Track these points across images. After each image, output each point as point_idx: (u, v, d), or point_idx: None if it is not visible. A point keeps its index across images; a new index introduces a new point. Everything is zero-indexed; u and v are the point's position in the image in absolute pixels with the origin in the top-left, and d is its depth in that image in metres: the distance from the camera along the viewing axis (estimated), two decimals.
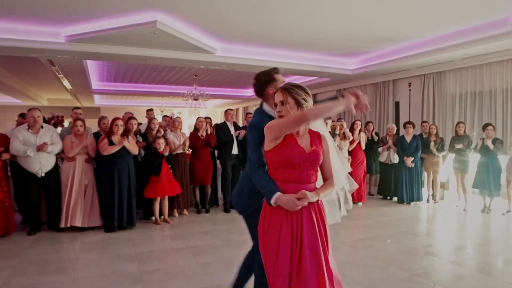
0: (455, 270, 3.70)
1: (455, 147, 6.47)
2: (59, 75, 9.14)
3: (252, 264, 2.47)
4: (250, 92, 14.29)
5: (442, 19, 5.77)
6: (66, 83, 10.40)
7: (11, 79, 10.68)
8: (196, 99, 11.33)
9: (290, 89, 1.99)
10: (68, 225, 4.82)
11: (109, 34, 5.94)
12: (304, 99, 1.98)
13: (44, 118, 5.11)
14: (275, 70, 2.35)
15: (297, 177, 1.99)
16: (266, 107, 2.33)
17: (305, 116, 1.88)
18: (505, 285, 3.31)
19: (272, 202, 1.96)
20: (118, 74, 10.73)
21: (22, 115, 5.83)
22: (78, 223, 4.84)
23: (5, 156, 4.59)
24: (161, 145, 5.29)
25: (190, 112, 19.18)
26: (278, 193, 1.95)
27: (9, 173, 5.08)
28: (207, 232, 4.99)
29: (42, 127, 4.81)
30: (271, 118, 2.19)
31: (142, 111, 9.86)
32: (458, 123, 6.71)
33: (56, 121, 8.73)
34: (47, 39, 6.27)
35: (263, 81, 2.32)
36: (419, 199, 6.99)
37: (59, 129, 6.46)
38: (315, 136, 2.10)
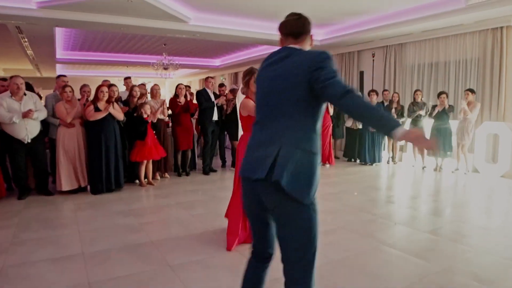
0: (411, 213, 4.38)
1: (414, 112, 7.19)
2: (24, 43, 8.85)
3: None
4: (218, 61, 14.41)
5: None
6: (29, 52, 10.05)
7: None
8: (166, 69, 11.35)
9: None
10: (71, 188, 5.11)
11: (84, 1, 5.92)
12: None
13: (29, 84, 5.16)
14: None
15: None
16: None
17: None
18: (451, 223, 4.01)
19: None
20: (85, 42, 10.49)
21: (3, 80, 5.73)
22: (73, 186, 5.11)
23: None
24: (147, 110, 5.52)
25: (156, 83, 18.93)
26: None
27: None
28: (192, 191, 5.38)
29: (25, 94, 4.88)
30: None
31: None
32: (416, 90, 7.41)
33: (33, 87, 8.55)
34: (17, 4, 6.13)
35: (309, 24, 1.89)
36: (379, 160, 7.74)
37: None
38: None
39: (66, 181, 5.09)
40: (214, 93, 6.82)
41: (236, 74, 15.29)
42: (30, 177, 5.15)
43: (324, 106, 1.67)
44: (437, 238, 3.50)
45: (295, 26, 1.81)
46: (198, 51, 12.21)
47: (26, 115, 4.66)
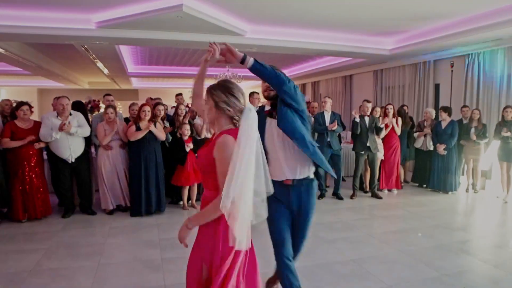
0: (491, 271, 3.45)
1: (501, 133, 5.99)
2: (95, 60, 9.38)
3: None
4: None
5: None
6: (101, 67, 10.68)
7: (51, 64, 11.11)
8: None
9: (211, 90, 1.83)
10: (108, 209, 5.12)
11: (137, 19, 5.94)
12: (225, 101, 1.77)
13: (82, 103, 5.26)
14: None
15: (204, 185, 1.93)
16: None
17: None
18: None
19: None
20: (151, 57, 10.85)
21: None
22: (111, 206, 5.07)
23: (39, 145, 4.76)
24: (187, 131, 5.30)
25: None
26: None
27: (46, 157, 5.32)
28: None
29: (70, 114, 4.95)
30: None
31: (175, 93, 9.96)
32: (506, 107, 6.17)
33: (92, 105, 9.03)
34: (79, 26, 6.39)
35: None
36: (455, 188, 6.59)
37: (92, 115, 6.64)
38: (212, 141, 1.81)
39: (104, 201, 5.11)
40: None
41: (303, 85, 14.80)
42: (75, 196, 5.23)
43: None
44: None
45: None
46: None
47: (61, 127, 4.66)
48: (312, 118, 6.59)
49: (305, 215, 2.42)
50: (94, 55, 8.69)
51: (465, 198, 6.41)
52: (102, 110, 8.04)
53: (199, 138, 5.64)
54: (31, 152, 4.73)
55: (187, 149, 5.30)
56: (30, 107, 4.86)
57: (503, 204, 5.91)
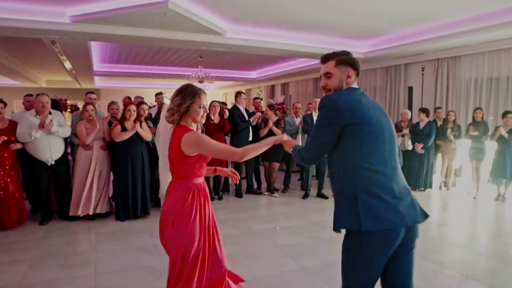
0: (484, 262, 3.63)
1: (469, 133, 6.36)
2: (61, 57, 8.84)
3: None
4: (254, 74, 14.02)
5: (462, 2, 5.52)
6: (67, 64, 10.09)
7: (9, 59, 10.35)
8: (201, 81, 11.07)
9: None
10: (82, 214, 4.72)
11: (118, 14, 5.67)
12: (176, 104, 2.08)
13: (58, 101, 4.91)
14: None
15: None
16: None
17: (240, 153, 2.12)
18: None
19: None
20: (121, 55, 10.42)
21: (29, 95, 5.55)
22: (91, 211, 4.73)
23: (16, 146, 4.38)
24: None
25: None
26: None
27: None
28: (223, 221, 4.87)
29: (50, 113, 4.61)
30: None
31: (143, 93, 9.60)
32: (476, 109, 6.56)
33: (61, 105, 8.49)
34: (51, 19, 6.00)
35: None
36: (430, 186, 6.91)
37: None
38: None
39: (79, 206, 4.70)
40: (246, 110, 6.35)
41: (273, 86, 14.85)
42: (52, 201, 4.87)
43: None
44: None
45: None
46: (235, 64, 11.88)
47: (42, 125, 4.32)
48: (298, 119, 6.64)
49: None
50: (62, 52, 8.18)
51: (440, 195, 6.72)
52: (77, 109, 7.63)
53: None
54: (6, 155, 4.34)
55: None
56: (5, 105, 4.47)
57: (473, 200, 6.28)
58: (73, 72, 11.75)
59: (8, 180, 4.36)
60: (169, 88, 16.92)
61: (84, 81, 14.87)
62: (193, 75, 11.13)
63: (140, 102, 5.23)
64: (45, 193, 4.65)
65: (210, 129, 5.81)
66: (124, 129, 4.73)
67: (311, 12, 6.09)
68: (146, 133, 4.92)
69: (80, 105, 10.03)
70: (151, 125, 5.43)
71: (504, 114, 6.05)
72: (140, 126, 4.86)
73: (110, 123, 5.02)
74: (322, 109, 1.81)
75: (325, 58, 1.93)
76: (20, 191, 4.56)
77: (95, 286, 3.00)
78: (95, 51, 9.51)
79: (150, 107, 5.79)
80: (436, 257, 3.73)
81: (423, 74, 8.27)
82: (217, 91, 19.82)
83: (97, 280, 3.10)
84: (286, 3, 5.72)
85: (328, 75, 1.90)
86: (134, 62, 11.47)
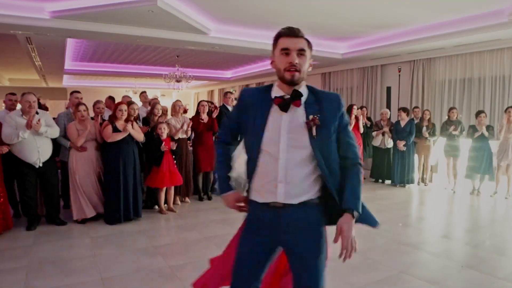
0: (472, 251, 3.86)
1: (448, 131, 6.70)
2: (33, 54, 8.42)
3: None
4: (229, 73, 13.99)
5: (437, 7, 5.81)
6: (37, 62, 9.62)
7: None
8: (178, 81, 10.91)
9: None
10: (80, 218, 4.59)
11: (102, 11, 5.49)
12: None
13: (39, 102, 4.68)
14: (283, 32, 1.61)
15: None
16: (276, 83, 1.68)
17: None
18: None
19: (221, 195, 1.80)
20: (95, 53, 10.05)
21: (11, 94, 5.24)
22: (89, 215, 4.61)
23: (3, 149, 4.14)
24: (163, 130, 5.03)
25: (165, 94, 18.54)
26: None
27: None
28: (219, 221, 4.87)
29: (37, 112, 4.39)
30: (267, 97, 1.66)
31: (113, 92, 9.27)
32: (451, 108, 6.92)
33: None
34: (29, 14, 5.71)
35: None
36: (411, 181, 7.23)
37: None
38: None
39: (78, 210, 4.59)
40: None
41: (247, 86, 14.88)
42: (39, 204, 4.65)
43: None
44: None
45: None
46: (211, 63, 11.80)
47: (29, 124, 4.10)
48: None
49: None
50: (35, 49, 7.79)
51: (419, 191, 7.04)
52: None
53: (175, 138, 5.39)
54: None
55: (163, 149, 5.02)
56: None
57: (454, 194, 6.64)
58: (42, 70, 11.21)
59: None
60: (141, 87, 16.63)
61: (51, 79, 14.23)
62: (170, 74, 10.96)
63: (130, 102, 5.11)
64: (33, 197, 4.43)
65: (199, 128, 5.77)
66: (115, 129, 4.60)
67: (293, 14, 6.20)
68: (138, 134, 4.81)
69: (48, 104, 9.58)
70: (141, 125, 5.32)
71: (478, 114, 6.42)
72: (132, 127, 4.74)
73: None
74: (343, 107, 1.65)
75: (299, 32, 1.58)
76: (5, 196, 4.32)
77: None
78: (69, 48, 9.12)
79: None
80: (430, 248, 3.92)
81: (399, 75, 8.62)
82: (189, 91, 19.58)
83: (105, 285, 3.01)
84: (269, 5, 5.78)
85: (302, 52, 1.56)
86: (108, 60, 11.10)
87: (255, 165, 1.64)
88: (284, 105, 1.58)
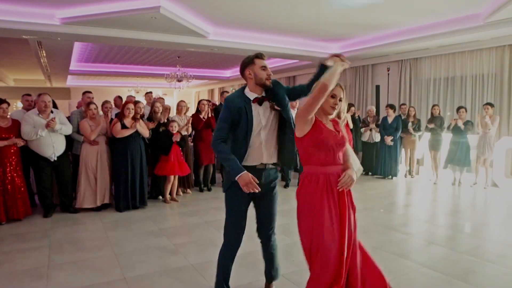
0: (444, 231, 4.35)
1: (427, 126, 7.21)
2: (42, 56, 8.90)
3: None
4: (228, 73, 14.47)
5: (422, 11, 6.28)
6: (44, 63, 10.10)
7: None
8: (180, 81, 11.39)
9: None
10: (92, 206, 5.10)
11: (108, 17, 5.97)
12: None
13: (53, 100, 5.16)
14: (257, 55, 2.39)
15: (331, 159, 2.21)
16: (246, 89, 2.44)
17: (324, 84, 2.07)
18: (488, 242, 3.97)
19: (236, 178, 2.26)
20: (99, 54, 10.55)
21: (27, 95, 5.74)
22: (98, 203, 5.11)
23: (20, 142, 4.63)
24: (174, 127, 5.57)
25: (166, 93, 19.01)
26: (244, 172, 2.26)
27: None
28: (219, 208, 5.35)
29: (52, 111, 4.89)
30: (246, 100, 2.38)
31: (117, 92, 9.72)
32: (434, 105, 7.41)
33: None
34: (41, 20, 6.18)
35: (244, 63, 2.42)
36: (397, 174, 7.72)
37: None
38: (335, 123, 2.34)
39: (87, 199, 5.08)
40: None
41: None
42: (54, 194, 5.15)
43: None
44: (476, 260, 3.47)
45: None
46: (211, 63, 12.28)
47: (48, 124, 4.62)
48: None
49: None
50: (44, 51, 8.28)
51: (405, 182, 7.53)
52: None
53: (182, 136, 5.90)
54: (12, 151, 4.59)
55: (174, 140, 5.54)
56: (8, 104, 4.70)
57: (436, 185, 7.13)
58: (48, 70, 11.69)
59: (15, 175, 4.61)
60: (143, 87, 17.12)
61: (56, 80, 14.72)
62: (171, 74, 11.44)
63: (136, 101, 5.60)
64: (48, 187, 4.93)
65: (199, 125, 6.25)
66: (124, 126, 5.09)
67: (288, 18, 6.68)
68: (144, 130, 5.31)
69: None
70: (146, 121, 5.81)
71: (458, 109, 6.92)
72: (139, 124, 5.24)
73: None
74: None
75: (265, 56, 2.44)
76: (25, 186, 4.81)
77: (118, 263, 3.40)
78: (75, 51, 9.61)
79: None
80: (404, 229, 4.41)
81: (388, 74, 9.10)
82: (190, 90, 20.05)
83: (119, 258, 3.50)
84: (263, 11, 6.26)
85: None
86: (111, 61, 11.60)
87: (247, 146, 2.38)
88: (261, 102, 2.44)
